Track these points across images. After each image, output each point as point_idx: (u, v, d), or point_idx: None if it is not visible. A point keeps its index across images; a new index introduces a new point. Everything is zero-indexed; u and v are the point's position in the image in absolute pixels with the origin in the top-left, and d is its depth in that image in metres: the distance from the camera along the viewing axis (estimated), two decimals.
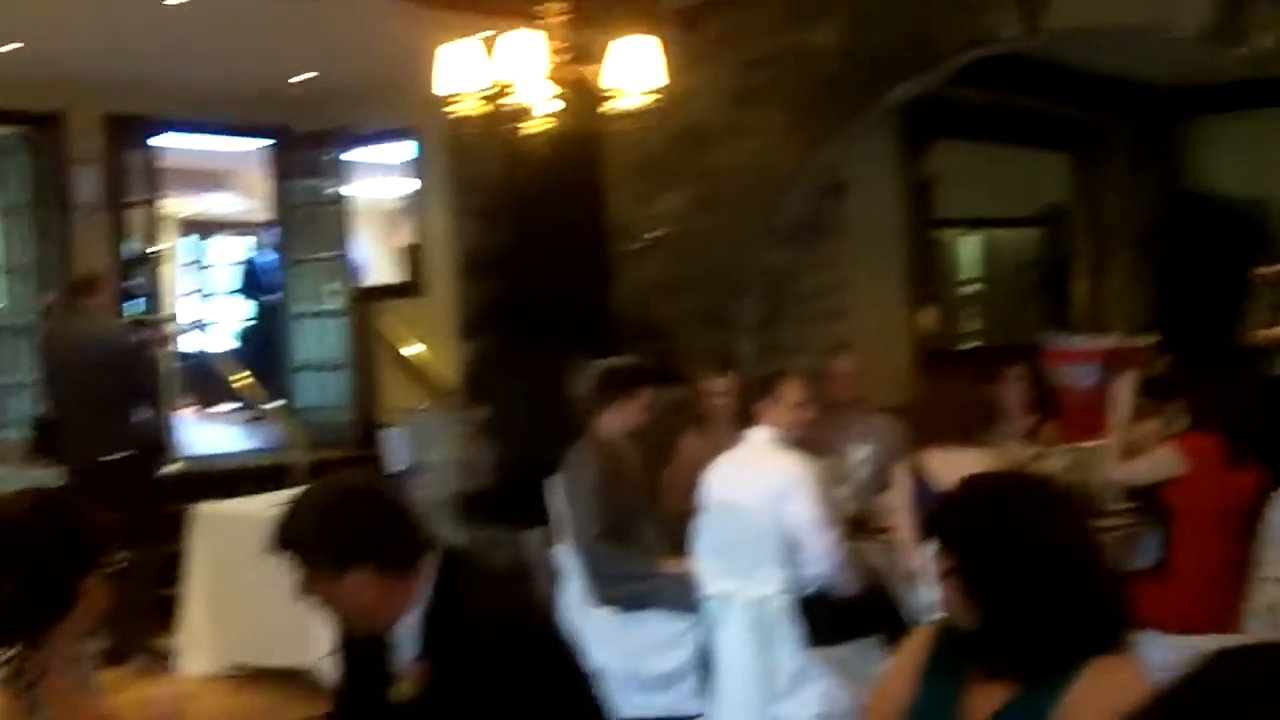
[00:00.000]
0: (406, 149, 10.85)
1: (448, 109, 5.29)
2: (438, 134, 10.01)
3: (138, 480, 7.45)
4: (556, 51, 5.30)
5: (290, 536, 2.99)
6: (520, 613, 3.04)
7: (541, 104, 5.32)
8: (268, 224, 12.46)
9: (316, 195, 10.94)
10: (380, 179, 12.45)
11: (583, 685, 3.06)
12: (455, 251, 10.06)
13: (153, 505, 7.27)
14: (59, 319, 9.02)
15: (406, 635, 2.97)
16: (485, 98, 5.30)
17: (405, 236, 11.34)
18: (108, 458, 7.26)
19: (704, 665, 5.78)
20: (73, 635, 2.76)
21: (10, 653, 2.67)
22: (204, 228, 16.27)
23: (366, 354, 10.86)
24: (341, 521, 2.96)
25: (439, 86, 5.43)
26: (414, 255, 10.97)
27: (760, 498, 5.49)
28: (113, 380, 7.44)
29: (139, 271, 10.14)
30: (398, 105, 10.29)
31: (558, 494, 6.32)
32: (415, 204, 10.90)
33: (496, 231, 9.45)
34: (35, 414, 9.59)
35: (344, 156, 10.93)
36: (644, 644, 5.92)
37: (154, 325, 7.83)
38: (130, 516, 6.76)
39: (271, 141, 11.37)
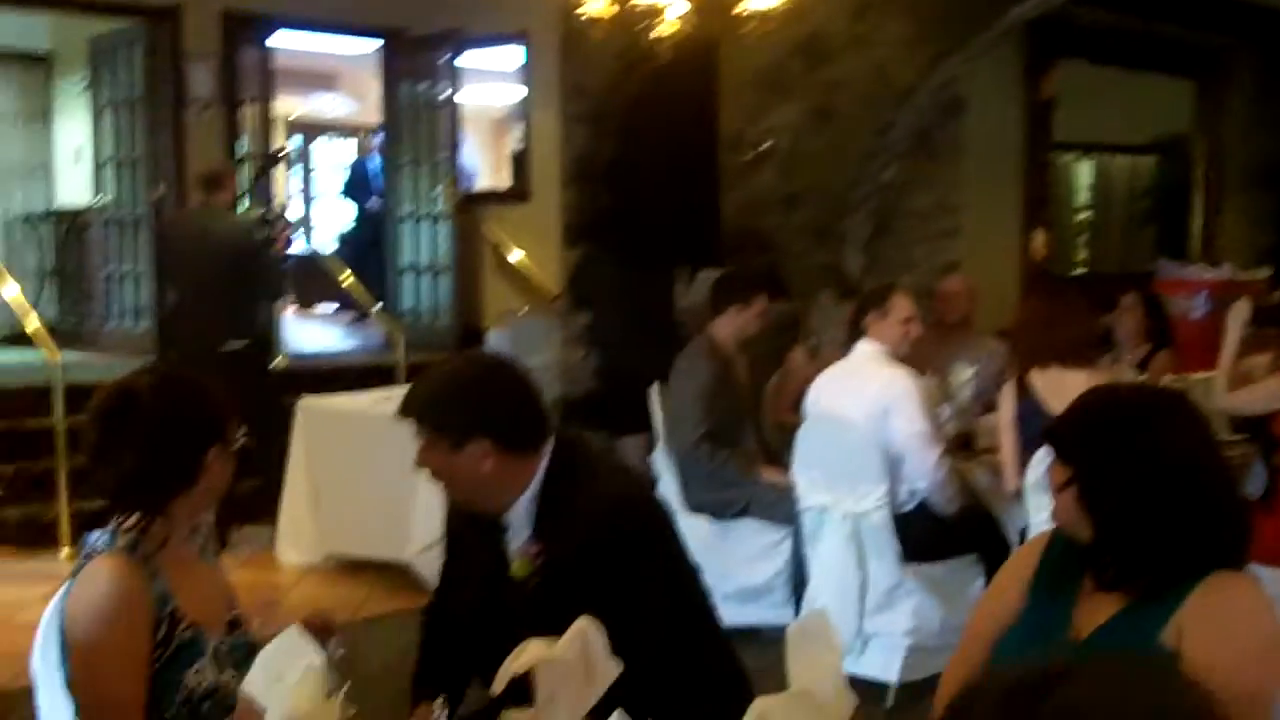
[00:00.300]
0: (517, 54, 10.82)
1: (578, 10, 5.21)
2: (549, 39, 9.99)
3: (254, 372, 7.59)
4: None
5: (417, 401, 3.02)
6: (632, 499, 3.03)
7: (672, 6, 5.25)
8: (375, 128, 12.50)
9: (426, 99, 10.94)
10: (489, 84, 12.44)
11: (690, 573, 3.06)
12: (562, 158, 10.04)
13: (266, 398, 7.38)
14: (182, 212, 9.13)
15: (519, 519, 2.97)
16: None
17: (512, 142, 11.31)
18: (226, 348, 7.37)
19: (796, 577, 5.78)
20: (193, 508, 2.79)
21: (131, 521, 2.71)
22: (310, 129, 16.39)
23: (469, 259, 10.89)
24: (468, 391, 2.98)
25: None
26: (520, 161, 10.96)
27: (864, 411, 5.44)
28: (236, 274, 7.54)
29: (255, 169, 10.21)
30: (510, 9, 10.28)
31: (658, 401, 6.33)
32: (523, 110, 10.87)
33: (606, 139, 9.41)
34: (150, 304, 9.79)
35: (455, 61, 10.90)
36: (736, 553, 5.93)
37: (276, 223, 7.90)
38: (244, 407, 7.00)
39: (383, 43, 11.38)
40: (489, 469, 2.91)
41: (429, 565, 6.73)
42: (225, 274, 7.49)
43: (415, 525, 6.76)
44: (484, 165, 12.75)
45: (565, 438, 3.06)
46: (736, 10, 5.25)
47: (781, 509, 5.78)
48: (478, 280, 10.91)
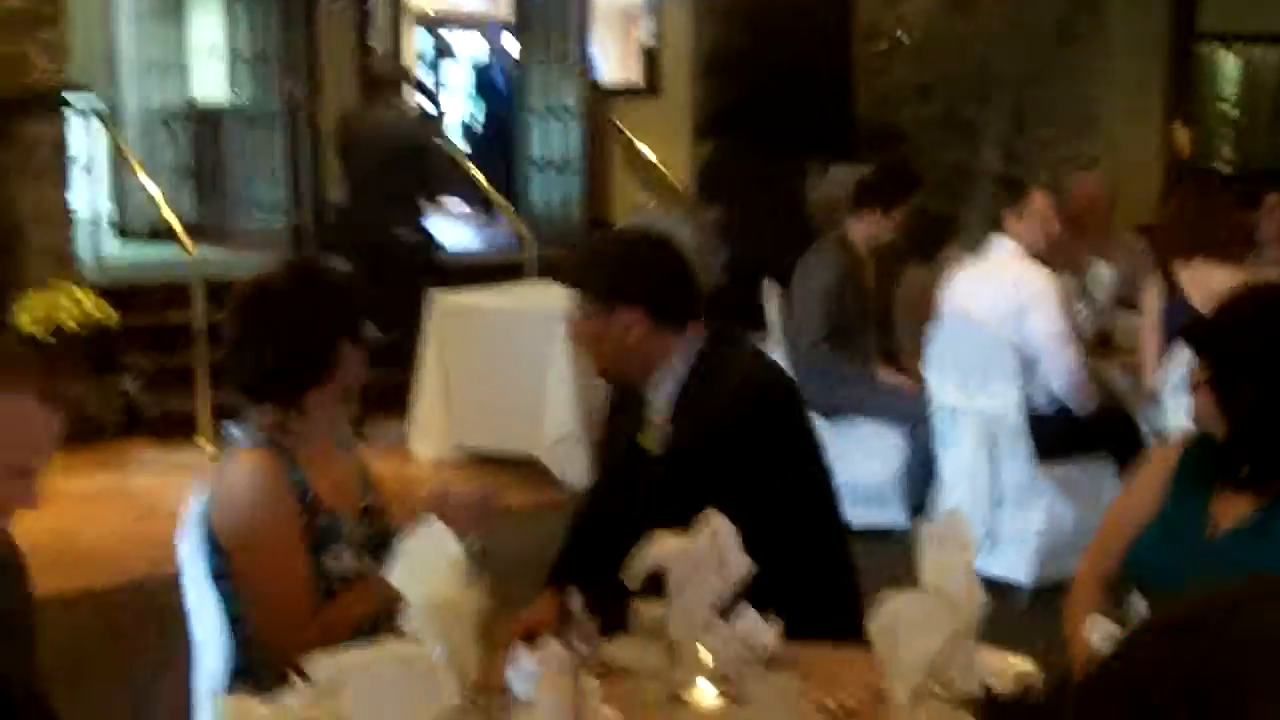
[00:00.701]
0: None
1: None
2: None
3: (422, 265, 8.01)
4: None
5: (574, 266, 3.12)
6: (770, 392, 3.03)
7: None
8: (503, 22, 12.46)
9: None
10: None
11: (821, 474, 3.06)
12: (694, 52, 9.94)
13: (433, 287, 7.63)
14: (356, 109, 9.25)
15: (661, 396, 3.00)
16: None
17: (641, 35, 11.22)
18: (401, 239, 7.87)
19: (916, 479, 5.74)
20: (327, 400, 2.83)
21: (268, 414, 2.76)
22: (439, 22, 16.36)
23: (598, 153, 10.86)
24: (623, 259, 3.05)
25: None
26: (651, 55, 10.87)
27: (1000, 310, 5.36)
28: (408, 169, 7.98)
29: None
30: None
31: (775, 298, 6.28)
32: (654, 3, 10.76)
33: (737, 32, 9.29)
34: (286, 200, 9.93)
35: None
36: (853, 454, 5.88)
37: (433, 120, 8.21)
38: (408, 300, 7.17)
39: None
40: (636, 338, 2.95)
41: (559, 459, 6.85)
42: (398, 168, 7.89)
43: (547, 419, 6.83)
44: (612, 58, 12.64)
45: (718, 326, 3.07)
46: None
47: (898, 410, 5.74)
48: (606, 175, 10.89)
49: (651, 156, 10.29)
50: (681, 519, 2.47)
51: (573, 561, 3.14)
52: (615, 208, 10.70)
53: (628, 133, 10.55)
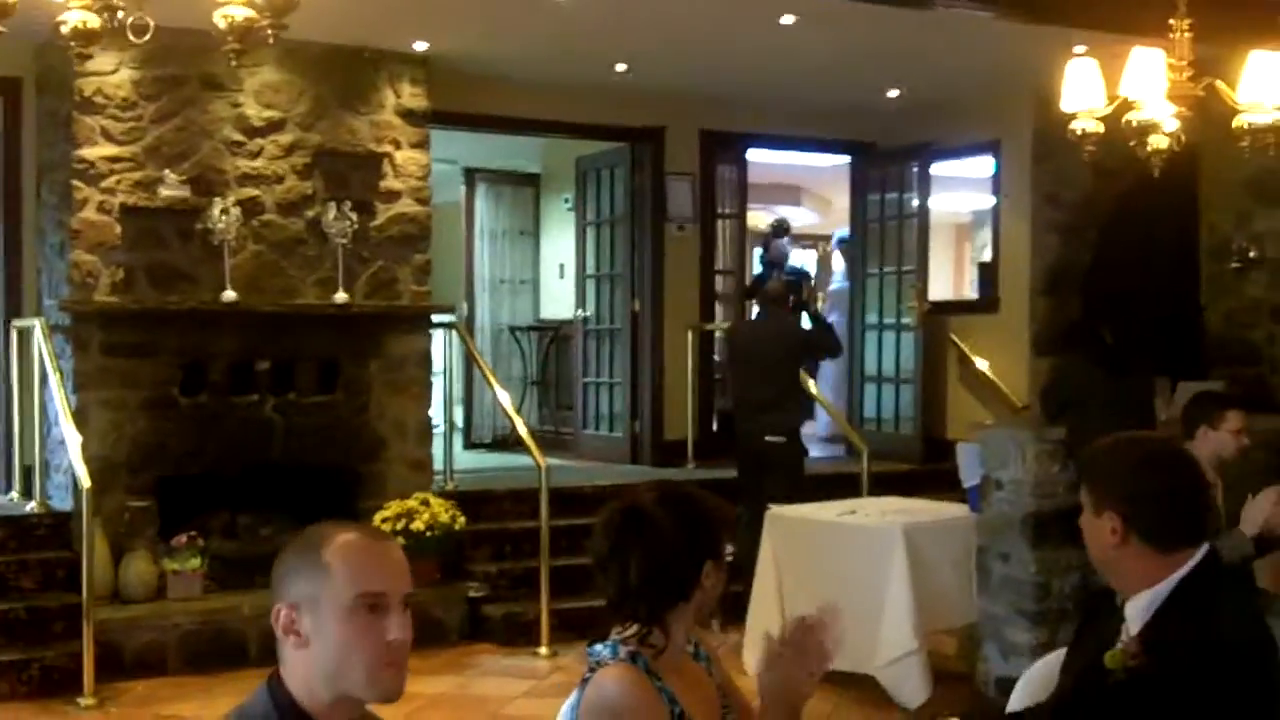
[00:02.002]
0: (985, 163, 10.76)
1: (1073, 124, 5.16)
2: (1022, 148, 9.91)
3: (788, 467, 8.36)
4: (1173, 69, 5.08)
5: (1088, 458, 3.08)
6: (1245, 650, 2.85)
7: (1166, 120, 5.12)
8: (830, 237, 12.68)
9: (894, 209, 11.01)
10: (951, 192, 12.40)
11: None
12: (1033, 268, 9.89)
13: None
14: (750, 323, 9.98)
15: (1137, 612, 2.90)
16: (1105, 115, 5.16)
17: (974, 250, 11.23)
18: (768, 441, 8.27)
19: None
20: (687, 619, 2.88)
21: (630, 630, 2.83)
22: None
23: (933, 368, 10.83)
24: (1125, 464, 2.95)
25: (1065, 103, 5.31)
26: (989, 270, 10.85)
27: None
28: (786, 363, 8.52)
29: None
30: (981, 120, 10.27)
31: None
32: (992, 218, 10.78)
33: (1080, 248, 9.20)
34: (625, 412, 10.25)
35: (925, 171, 10.95)
36: None
37: (803, 284, 8.75)
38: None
39: (853, 156, 11.56)
40: (1114, 545, 2.89)
41: (895, 677, 6.72)
42: (776, 366, 8.39)
43: (883, 637, 6.72)
44: (944, 272, 12.70)
45: (1208, 558, 2.98)
46: (1234, 125, 5.06)
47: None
48: (942, 390, 10.83)
49: (989, 372, 10.21)
50: None
51: None
52: (950, 422, 10.60)
53: (964, 347, 10.49)
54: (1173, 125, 5.18)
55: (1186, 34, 5.11)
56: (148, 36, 3.47)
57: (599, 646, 2.84)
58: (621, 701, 2.72)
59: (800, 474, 8.51)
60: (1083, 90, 5.32)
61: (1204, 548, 2.92)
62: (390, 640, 2.22)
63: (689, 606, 2.85)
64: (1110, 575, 2.98)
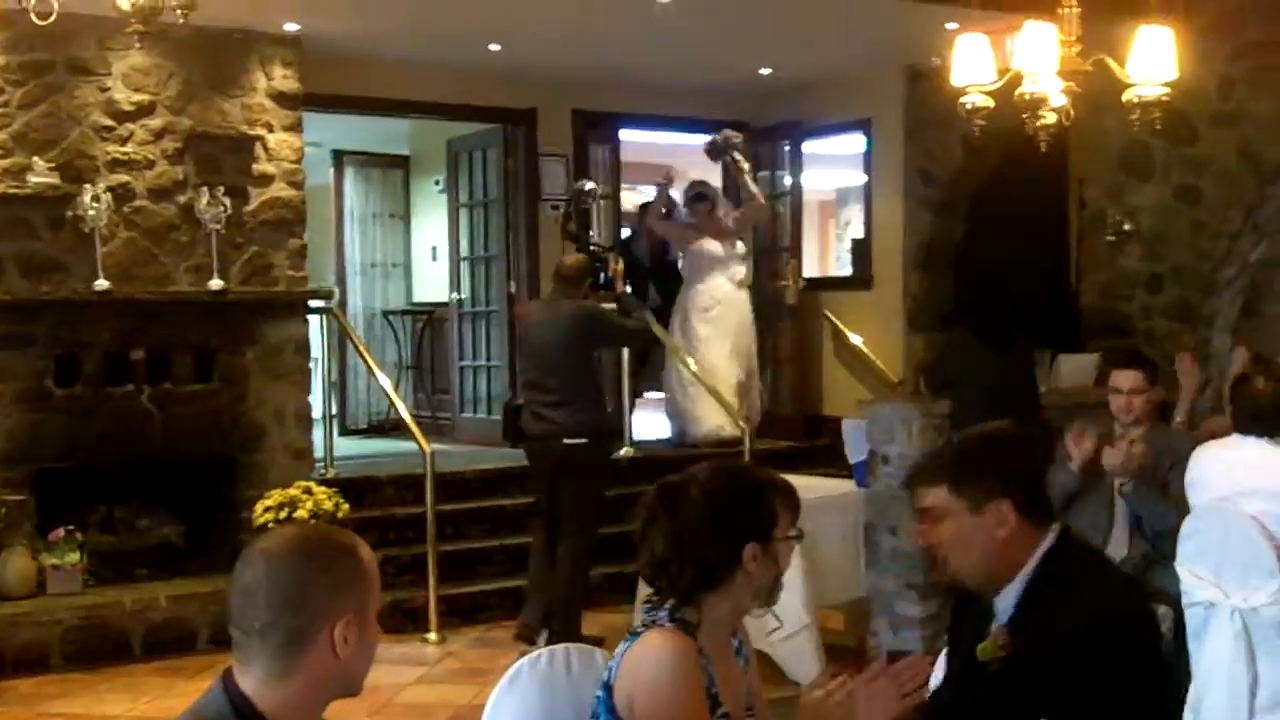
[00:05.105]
0: (857, 141, 10.88)
1: (963, 99, 5.22)
2: (892, 126, 10.04)
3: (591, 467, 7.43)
4: (1064, 44, 5.16)
5: (937, 462, 3.06)
6: (1119, 617, 2.89)
7: (1053, 96, 5.20)
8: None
9: (768, 187, 11.07)
10: (825, 170, 12.51)
11: (1160, 700, 2.95)
12: (907, 244, 10.02)
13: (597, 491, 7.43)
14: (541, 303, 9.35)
15: (1006, 602, 2.93)
16: (996, 91, 5.22)
17: (841, 226, 11.34)
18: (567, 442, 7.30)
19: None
20: (729, 602, 2.78)
21: (670, 604, 2.76)
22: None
23: (810, 346, 10.93)
24: (995, 451, 3.00)
25: (954, 77, 5.35)
26: (862, 247, 10.96)
27: (1256, 500, 5.19)
28: (578, 350, 7.45)
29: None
30: (853, 99, 10.37)
31: None
32: (864, 195, 10.90)
33: (953, 223, 9.35)
34: (503, 396, 10.16)
35: (796, 150, 11.03)
36: None
37: (604, 257, 8.27)
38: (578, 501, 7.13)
39: None
40: (1004, 536, 2.90)
41: (788, 653, 6.76)
42: (567, 355, 7.35)
43: (775, 613, 6.75)
44: (813, 250, 12.80)
45: (1067, 528, 3.02)
46: (1124, 99, 5.15)
47: None
48: (817, 368, 10.93)
49: (864, 348, 10.33)
50: None
51: None
52: (826, 400, 10.72)
53: (838, 324, 10.60)
54: (1059, 101, 5.26)
55: (1075, 9, 5.19)
56: (52, 18, 3.35)
57: (649, 607, 2.78)
58: (669, 663, 2.64)
59: (602, 487, 7.50)
60: (971, 65, 5.38)
61: (1057, 524, 2.97)
62: None
63: (728, 588, 2.76)
64: (990, 571, 2.95)
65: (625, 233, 11.60)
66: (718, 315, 10.05)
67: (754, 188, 10.28)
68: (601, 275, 8.94)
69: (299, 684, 2.19)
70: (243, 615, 2.19)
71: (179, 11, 3.28)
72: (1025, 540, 2.91)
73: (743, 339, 10.16)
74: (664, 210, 10.58)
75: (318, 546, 2.26)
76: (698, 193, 10.27)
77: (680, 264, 10.63)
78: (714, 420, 9.76)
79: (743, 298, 10.24)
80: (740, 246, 10.22)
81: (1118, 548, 5.61)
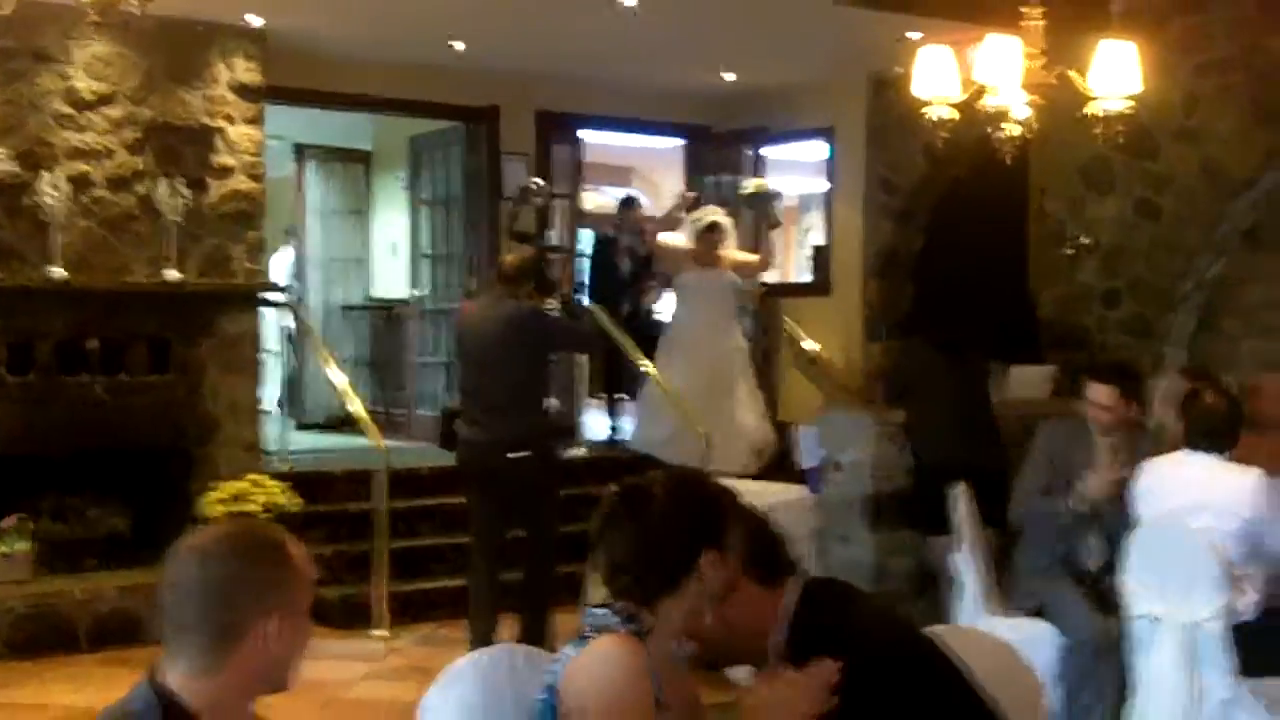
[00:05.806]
0: (819, 148, 10.92)
1: (926, 110, 5.24)
2: (855, 134, 10.08)
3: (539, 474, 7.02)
4: (1028, 56, 5.20)
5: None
6: (890, 633, 2.86)
7: (1017, 108, 5.23)
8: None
9: (730, 192, 11.09)
10: (786, 176, 12.54)
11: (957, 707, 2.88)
12: (866, 252, 10.06)
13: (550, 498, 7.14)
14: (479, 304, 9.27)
15: (774, 654, 2.81)
16: (960, 102, 5.25)
17: (802, 233, 11.36)
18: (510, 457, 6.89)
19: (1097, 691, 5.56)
20: (685, 608, 2.74)
21: (624, 606, 2.73)
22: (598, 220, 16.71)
23: (768, 351, 10.94)
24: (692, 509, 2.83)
25: (915, 88, 5.38)
26: (821, 253, 11.00)
27: (1204, 515, 5.25)
28: (521, 353, 6.98)
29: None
30: (815, 106, 10.41)
31: (963, 501, 6.20)
32: (824, 202, 10.94)
33: (913, 232, 9.38)
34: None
35: (758, 155, 11.07)
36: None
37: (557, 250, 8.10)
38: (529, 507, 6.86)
39: (687, 140, 11.63)
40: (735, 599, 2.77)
41: None
42: (510, 360, 6.88)
43: None
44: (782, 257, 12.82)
45: (812, 576, 2.94)
46: (1087, 112, 5.19)
47: (1070, 621, 5.60)
48: (773, 374, 10.94)
49: (822, 354, 10.35)
50: None
51: None
52: (783, 405, 10.73)
53: (796, 330, 10.61)
54: (1023, 113, 5.30)
55: (1039, 22, 5.22)
56: (10, 8, 3.33)
57: (601, 611, 2.75)
58: (616, 670, 2.61)
59: (556, 496, 7.11)
60: (934, 77, 5.40)
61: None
62: None
63: (682, 594, 2.73)
64: (735, 642, 2.81)
65: (605, 234, 11.39)
66: (694, 356, 9.44)
67: (770, 244, 10.23)
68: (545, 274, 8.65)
69: (226, 679, 2.22)
70: (172, 611, 2.23)
71: (135, 3, 3.25)
72: (764, 597, 2.81)
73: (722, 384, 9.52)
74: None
75: (247, 543, 2.29)
76: (713, 222, 9.60)
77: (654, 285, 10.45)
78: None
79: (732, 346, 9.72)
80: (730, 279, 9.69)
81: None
